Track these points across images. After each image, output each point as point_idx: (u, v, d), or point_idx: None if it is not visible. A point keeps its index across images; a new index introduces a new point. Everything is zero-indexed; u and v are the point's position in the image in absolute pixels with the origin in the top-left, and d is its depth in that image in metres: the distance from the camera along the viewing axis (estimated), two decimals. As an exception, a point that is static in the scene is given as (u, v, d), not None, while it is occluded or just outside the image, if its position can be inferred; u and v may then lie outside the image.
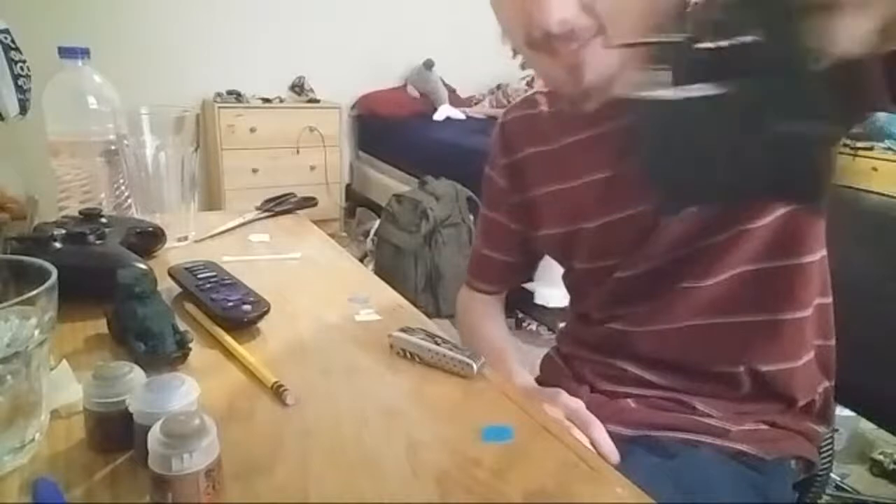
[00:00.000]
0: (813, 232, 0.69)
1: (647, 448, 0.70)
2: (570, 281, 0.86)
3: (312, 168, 3.59)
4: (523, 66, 0.85)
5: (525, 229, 0.86)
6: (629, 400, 0.75)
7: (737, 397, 0.73)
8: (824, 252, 0.71)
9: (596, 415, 0.71)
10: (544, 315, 2.48)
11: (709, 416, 0.73)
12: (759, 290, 0.69)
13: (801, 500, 0.89)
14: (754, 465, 0.70)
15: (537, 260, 0.92)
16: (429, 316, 0.82)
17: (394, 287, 0.79)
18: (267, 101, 3.55)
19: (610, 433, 0.68)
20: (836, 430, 1.05)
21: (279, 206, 1.07)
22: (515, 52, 0.78)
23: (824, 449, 0.88)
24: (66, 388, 0.48)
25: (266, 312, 0.63)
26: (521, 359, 0.96)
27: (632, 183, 0.71)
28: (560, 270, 0.86)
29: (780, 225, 0.67)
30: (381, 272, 2.64)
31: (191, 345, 0.56)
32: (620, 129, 0.71)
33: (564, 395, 0.68)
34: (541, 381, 0.85)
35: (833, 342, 0.76)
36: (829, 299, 0.74)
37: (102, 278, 0.57)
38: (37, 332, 0.41)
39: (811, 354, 0.73)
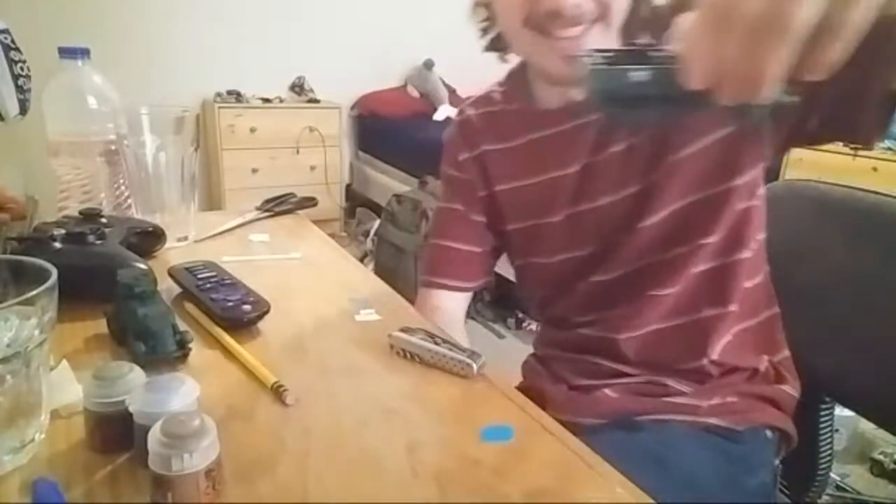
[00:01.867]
0: (748, 232, 0.74)
1: (619, 427, 0.73)
2: (538, 283, 0.88)
3: (312, 168, 3.59)
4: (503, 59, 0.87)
5: (489, 221, 0.87)
6: (606, 390, 0.78)
7: (707, 381, 0.78)
8: (761, 238, 0.76)
9: (573, 409, 0.75)
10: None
11: (681, 393, 0.76)
12: (713, 286, 0.74)
13: (801, 500, 0.89)
14: (728, 436, 0.74)
15: (499, 255, 0.92)
16: (429, 316, 0.82)
17: (394, 287, 0.79)
18: (267, 101, 3.54)
19: (586, 426, 0.70)
20: (837, 431, 1.05)
21: (279, 206, 1.07)
22: (503, 55, 0.79)
23: (823, 448, 0.88)
24: (66, 388, 0.48)
25: (266, 312, 0.63)
26: (519, 359, 0.97)
27: (599, 176, 0.75)
28: None
29: (729, 229, 0.72)
30: (381, 272, 2.64)
31: (191, 345, 0.56)
32: (587, 125, 0.74)
33: None
34: (523, 385, 0.87)
35: (772, 312, 0.80)
36: (760, 279, 0.79)
37: (102, 278, 0.57)
38: (37, 332, 0.41)
39: (748, 327, 0.78)
